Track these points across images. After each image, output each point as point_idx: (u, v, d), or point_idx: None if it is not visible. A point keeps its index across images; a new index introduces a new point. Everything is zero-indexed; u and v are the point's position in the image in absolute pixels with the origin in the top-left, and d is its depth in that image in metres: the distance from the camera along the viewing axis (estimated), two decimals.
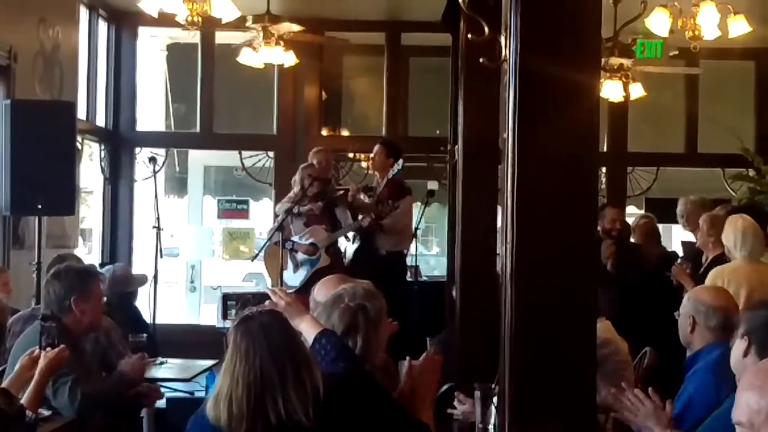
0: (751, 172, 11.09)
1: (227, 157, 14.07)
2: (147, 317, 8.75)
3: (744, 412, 2.23)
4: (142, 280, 8.24)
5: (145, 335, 7.22)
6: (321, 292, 4.76)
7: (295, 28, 9.57)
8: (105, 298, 6.55)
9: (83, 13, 10.92)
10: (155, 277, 9.45)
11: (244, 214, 13.60)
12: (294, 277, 9.51)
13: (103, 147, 11.80)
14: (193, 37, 11.05)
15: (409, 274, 10.29)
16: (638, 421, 4.04)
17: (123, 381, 5.62)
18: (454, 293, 7.25)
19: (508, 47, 3.09)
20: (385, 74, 12.35)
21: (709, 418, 3.89)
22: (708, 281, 6.89)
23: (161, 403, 6.47)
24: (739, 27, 8.28)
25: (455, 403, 4.96)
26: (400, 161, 9.88)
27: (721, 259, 7.66)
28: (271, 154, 12.27)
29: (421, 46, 12.43)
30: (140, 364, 5.82)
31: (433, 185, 11.70)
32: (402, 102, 12.39)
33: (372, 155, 10.23)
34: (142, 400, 5.92)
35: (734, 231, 6.90)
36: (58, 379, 5.12)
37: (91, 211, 12.54)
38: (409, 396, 4.06)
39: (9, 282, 7.18)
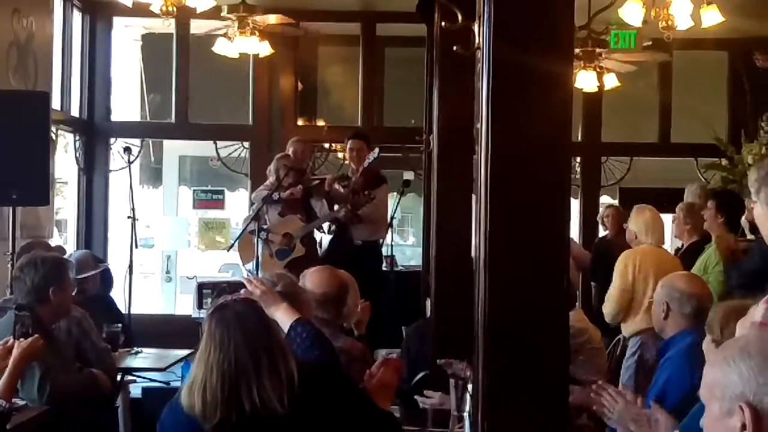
0: (724, 162, 11.16)
1: (202, 148, 14.03)
2: (122, 308, 8.73)
3: (702, 388, 2.28)
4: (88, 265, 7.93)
5: (120, 325, 7.22)
6: (311, 283, 4.76)
7: (271, 19, 9.57)
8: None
9: (57, 3, 10.86)
10: (130, 267, 9.43)
11: (219, 204, 13.58)
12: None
13: (77, 137, 11.76)
14: (168, 26, 11.01)
15: (384, 263, 10.30)
16: (614, 418, 4.08)
17: (94, 381, 5.66)
18: (429, 282, 7.27)
19: (481, 36, 3.10)
20: (361, 64, 12.36)
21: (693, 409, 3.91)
22: (620, 261, 7.39)
23: (137, 393, 6.47)
24: (712, 17, 8.33)
25: (423, 398, 4.98)
26: (376, 149, 9.90)
27: (697, 246, 7.83)
28: (246, 144, 12.26)
29: (397, 36, 12.44)
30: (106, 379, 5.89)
31: (408, 175, 11.72)
32: (377, 92, 12.39)
33: (352, 151, 10.17)
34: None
35: (644, 220, 7.61)
36: (27, 370, 5.11)
37: (66, 202, 12.50)
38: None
39: None
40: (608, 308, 7.36)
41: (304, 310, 4.28)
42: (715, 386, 2.21)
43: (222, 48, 9.74)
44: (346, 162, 10.74)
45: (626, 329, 7.29)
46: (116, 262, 10.77)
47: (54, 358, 5.31)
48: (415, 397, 5.01)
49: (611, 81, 10.17)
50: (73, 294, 5.83)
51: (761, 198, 2.83)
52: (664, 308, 4.89)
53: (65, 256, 7.60)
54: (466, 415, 4.24)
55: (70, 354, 5.72)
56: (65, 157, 11.79)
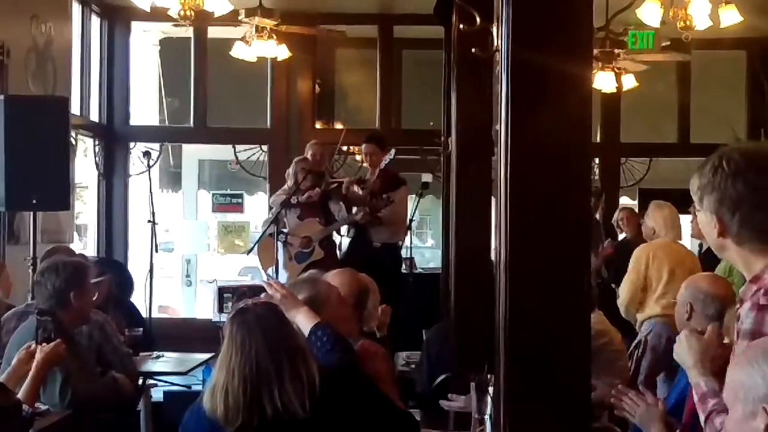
0: None
1: (221, 151, 14.07)
2: (143, 312, 8.75)
3: (725, 390, 2.27)
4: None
5: (141, 330, 7.24)
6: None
7: (285, 25, 9.59)
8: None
9: (76, 9, 10.91)
10: (151, 271, 9.46)
11: (238, 207, 13.61)
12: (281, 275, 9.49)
13: (97, 142, 11.80)
14: (186, 31, 11.05)
15: (404, 266, 10.30)
16: (636, 421, 4.07)
17: (116, 387, 5.67)
18: (449, 285, 7.26)
19: (499, 37, 3.09)
20: (378, 67, 12.37)
21: None
22: (635, 254, 7.72)
23: (158, 397, 6.48)
24: (731, 17, 8.31)
25: (448, 402, 4.98)
26: (392, 151, 9.91)
27: None
28: (265, 147, 12.29)
29: (414, 38, 12.45)
30: (130, 384, 5.89)
31: (427, 177, 11.70)
32: (395, 94, 12.40)
33: (367, 155, 10.20)
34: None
35: (663, 216, 7.85)
36: (49, 375, 5.12)
37: (86, 207, 12.54)
38: None
39: (10, 276, 7.21)
40: (621, 298, 7.72)
41: (331, 311, 4.26)
42: (738, 388, 2.20)
43: (240, 52, 9.75)
44: (365, 164, 10.75)
45: (640, 317, 7.59)
46: (136, 265, 10.81)
47: (76, 362, 5.33)
48: (440, 402, 5.00)
49: (629, 82, 10.15)
50: (94, 298, 5.85)
51: (704, 206, 2.88)
52: (687, 309, 4.87)
53: None
54: (487, 417, 4.23)
55: (91, 358, 5.73)
56: (85, 162, 11.83)
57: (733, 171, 2.81)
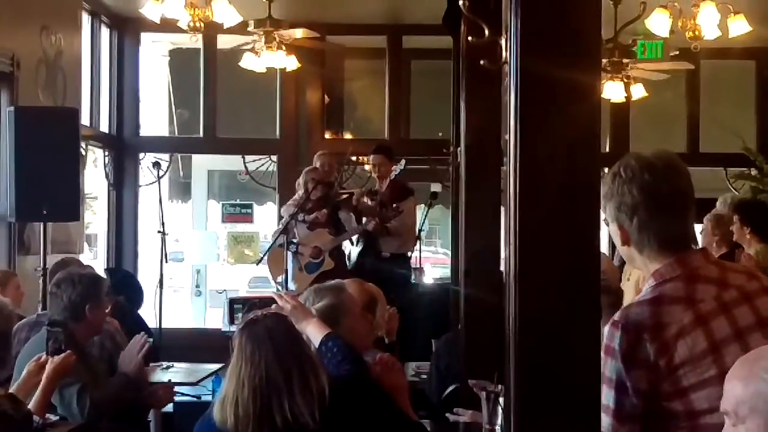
0: (753, 171, 11.09)
1: (231, 162, 14.09)
2: (151, 323, 8.75)
3: (730, 402, 2.22)
4: None
5: (151, 340, 7.24)
6: None
7: (297, 33, 9.61)
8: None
9: (85, 20, 10.95)
10: (161, 281, 9.47)
11: (248, 218, 13.61)
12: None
13: (107, 153, 11.83)
14: (196, 42, 11.08)
15: (413, 276, 10.29)
16: None
17: (128, 381, 5.62)
18: (458, 295, 7.25)
19: (508, 49, 3.09)
20: (387, 77, 12.37)
21: None
22: (633, 273, 7.53)
23: (168, 407, 6.49)
24: (739, 27, 8.31)
25: (454, 416, 4.97)
26: (402, 161, 9.92)
27: (726, 257, 7.79)
28: (274, 158, 12.30)
29: (423, 48, 12.46)
30: (137, 360, 5.82)
31: (436, 187, 11.70)
32: (404, 105, 12.41)
33: (375, 166, 10.22)
34: (152, 402, 5.94)
35: None
36: (65, 386, 5.13)
37: (96, 217, 12.56)
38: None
39: (20, 285, 7.22)
40: None
41: (351, 322, 4.25)
42: (757, 399, 2.14)
43: (249, 62, 9.78)
44: (374, 175, 10.76)
45: None
46: (146, 276, 10.83)
47: (89, 374, 5.34)
48: (446, 414, 5.00)
49: (639, 91, 10.15)
50: (107, 311, 5.85)
51: (607, 214, 2.93)
52: None
53: None
54: (498, 428, 4.23)
55: (103, 369, 5.74)
56: (95, 173, 11.87)
57: (629, 177, 2.89)
